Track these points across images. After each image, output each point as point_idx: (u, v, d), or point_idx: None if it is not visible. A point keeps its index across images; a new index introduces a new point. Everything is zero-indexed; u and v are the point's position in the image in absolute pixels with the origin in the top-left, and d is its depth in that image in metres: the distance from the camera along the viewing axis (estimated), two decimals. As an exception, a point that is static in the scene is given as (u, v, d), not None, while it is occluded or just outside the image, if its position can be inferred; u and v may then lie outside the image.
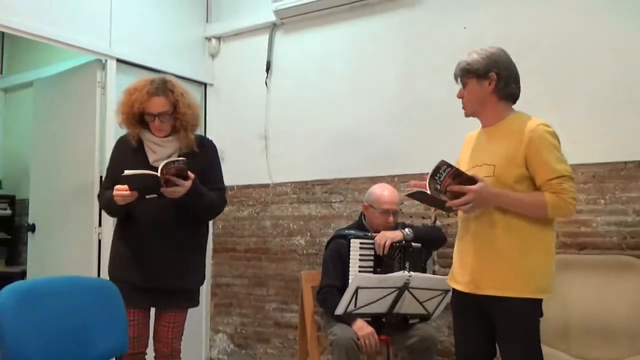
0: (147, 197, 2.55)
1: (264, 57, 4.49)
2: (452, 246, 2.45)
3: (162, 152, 2.71)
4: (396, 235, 3.19)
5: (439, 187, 2.15)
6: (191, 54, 4.68)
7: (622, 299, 2.88)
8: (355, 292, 2.74)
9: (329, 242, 3.41)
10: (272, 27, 4.49)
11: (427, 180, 2.16)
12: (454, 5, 3.75)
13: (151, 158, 2.70)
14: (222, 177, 2.90)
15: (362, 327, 3.02)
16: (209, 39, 4.77)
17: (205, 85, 4.78)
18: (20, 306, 2.13)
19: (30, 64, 5.34)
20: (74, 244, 3.96)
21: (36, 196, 4.42)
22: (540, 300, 2.20)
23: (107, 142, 3.84)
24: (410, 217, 3.76)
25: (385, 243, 3.15)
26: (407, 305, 2.88)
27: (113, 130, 3.78)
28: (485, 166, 2.26)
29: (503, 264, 2.18)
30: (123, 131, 2.87)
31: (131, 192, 2.52)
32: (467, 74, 2.31)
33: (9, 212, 5.48)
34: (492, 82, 2.28)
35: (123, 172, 2.50)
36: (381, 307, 2.85)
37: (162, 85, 2.67)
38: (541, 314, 2.22)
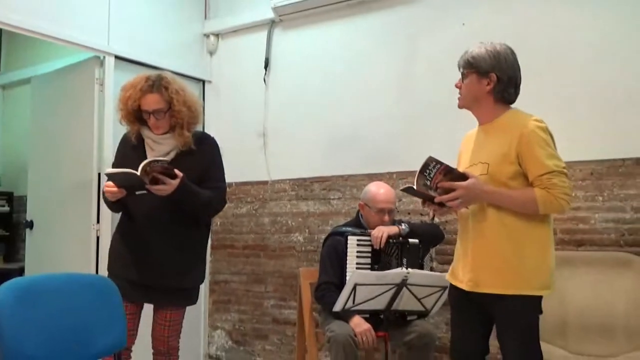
0: (137, 193, 2.55)
1: (263, 54, 4.49)
2: (450, 243, 2.46)
3: (159, 149, 2.70)
4: (392, 229, 3.21)
5: (428, 183, 2.17)
6: (189, 51, 4.67)
7: (620, 295, 2.89)
8: (354, 288, 2.75)
9: (325, 240, 3.41)
10: (271, 24, 4.49)
11: (416, 176, 2.17)
12: (452, 2, 3.75)
13: (149, 155, 2.68)
14: (222, 175, 2.87)
15: (359, 324, 3.03)
16: (207, 35, 4.76)
17: (203, 82, 4.77)
18: (18, 303, 2.13)
19: (28, 60, 5.33)
20: (72, 241, 3.96)
21: (34, 193, 4.42)
22: (539, 298, 2.21)
23: (105, 139, 3.84)
24: (409, 213, 3.77)
25: (382, 236, 3.16)
26: (405, 302, 2.88)
27: (111, 127, 3.79)
28: (480, 164, 2.26)
29: (500, 262, 2.19)
30: (121, 128, 2.87)
31: (119, 189, 2.53)
32: (470, 67, 2.30)
33: (7, 208, 5.48)
34: (491, 83, 2.27)
35: (121, 166, 2.52)
36: (379, 304, 2.86)
37: (157, 82, 2.65)
38: (540, 311, 2.23)
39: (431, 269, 3.44)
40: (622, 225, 3.15)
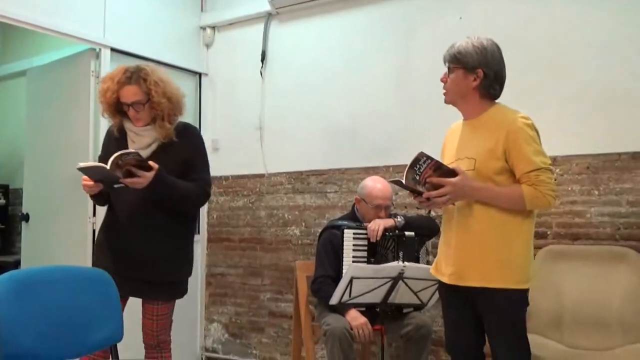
0: (115, 186, 2.50)
1: (259, 47, 4.48)
2: (446, 237, 2.46)
3: (140, 141, 2.65)
4: (388, 222, 3.21)
5: (417, 177, 2.17)
6: (186, 44, 4.65)
7: (615, 289, 2.90)
8: (350, 282, 2.75)
9: (322, 233, 3.41)
10: (268, 17, 4.47)
11: (405, 170, 2.17)
12: (449, -4, 3.74)
13: (131, 147, 2.62)
14: (205, 167, 2.80)
15: (355, 317, 3.04)
16: (203, 28, 4.75)
17: (199, 75, 4.76)
18: (14, 296, 2.13)
19: (23, 53, 5.30)
20: (68, 234, 3.95)
21: (30, 185, 4.41)
22: (525, 291, 2.23)
23: (101, 131, 3.81)
24: (405, 207, 3.77)
25: (378, 229, 3.16)
26: (401, 295, 2.89)
27: (107, 120, 3.76)
28: (466, 159, 2.27)
29: (485, 255, 2.20)
30: None
31: (95, 183, 2.49)
32: (456, 62, 2.29)
33: (2, 201, 5.45)
34: (478, 79, 2.28)
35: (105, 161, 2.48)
36: (375, 297, 2.86)
37: (135, 74, 2.59)
38: (527, 304, 2.25)
39: (427, 263, 3.44)
40: (618, 219, 3.16)
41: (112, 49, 3.99)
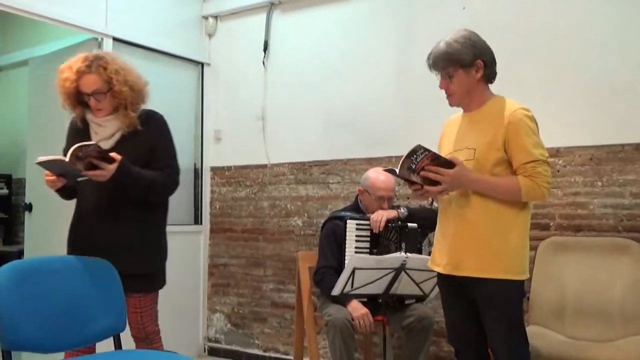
0: (78, 180, 2.45)
1: (262, 36, 4.46)
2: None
3: (103, 132, 2.58)
4: (391, 213, 3.21)
5: (413, 166, 2.17)
6: (188, 33, 4.64)
7: (617, 281, 2.90)
8: (352, 273, 2.76)
9: (324, 224, 3.42)
10: (270, 6, 4.45)
11: (401, 160, 2.17)
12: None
13: (94, 139, 2.55)
14: (171, 154, 2.69)
15: (356, 308, 3.04)
16: (206, 17, 4.73)
17: (202, 64, 4.74)
18: (17, 286, 2.14)
19: (25, 42, 5.29)
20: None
21: (33, 175, 4.40)
22: (521, 282, 2.24)
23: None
24: (407, 198, 3.76)
25: (381, 219, 3.16)
26: (404, 286, 2.89)
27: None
28: (465, 150, 2.28)
29: (480, 246, 2.21)
30: None
31: (57, 177, 2.41)
32: (454, 64, 2.27)
33: (5, 191, 5.47)
34: (480, 69, 2.28)
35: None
36: (377, 288, 2.87)
37: (95, 62, 2.51)
38: (523, 295, 2.26)
39: (429, 254, 3.44)
40: (621, 211, 3.15)
41: (115, 39, 3.98)
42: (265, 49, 4.46)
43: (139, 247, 2.59)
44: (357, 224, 3.23)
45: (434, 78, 2.78)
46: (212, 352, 4.62)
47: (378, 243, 3.21)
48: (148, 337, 2.67)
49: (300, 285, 3.51)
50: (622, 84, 3.17)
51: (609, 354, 2.61)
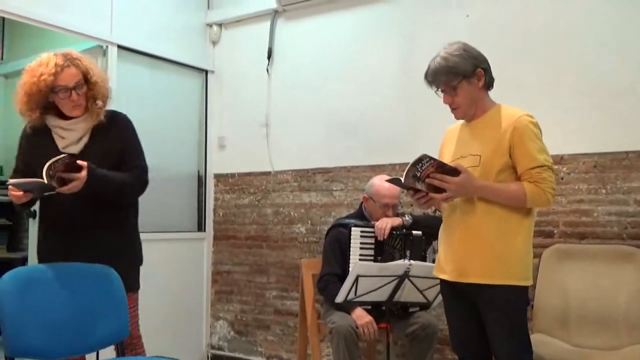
0: (45, 194, 2.42)
1: (266, 44, 4.47)
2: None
3: (71, 136, 2.54)
4: (396, 220, 3.21)
5: (418, 174, 2.17)
6: (192, 41, 4.65)
7: (622, 288, 2.89)
8: (356, 280, 2.75)
9: (329, 231, 3.41)
10: (274, 14, 4.47)
11: (407, 169, 2.17)
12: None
13: (60, 144, 2.53)
14: (138, 153, 2.66)
15: (360, 316, 3.04)
16: (210, 25, 4.75)
17: (206, 72, 4.76)
18: (21, 292, 2.14)
19: (30, 50, 5.28)
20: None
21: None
22: (525, 288, 2.24)
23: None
24: (411, 205, 3.76)
25: (385, 227, 3.16)
26: (407, 294, 2.89)
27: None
28: (470, 157, 2.29)
29: (485, 252, 2.21)
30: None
31: (24, 193, 2.38)
32: (456, 77, 2.29)
33: (9, 198, 5.46)
34: (481, 78, 2.31)
35: (30, 165, 2.45)
36: (381, 296, 2.86)
37: (69, 58, 2.49)
38: (527, 301, 2.26)
39: (434, 261, 3.44)
40: (625, 219, 3.14)
41: (119, 46, 4.00)
42: (269, 56, 4.47)
43: (111, 249, 2.55)
44: (361, 232, 3.23)
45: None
46: (215, 359, 4.61)
47: (382, 251, 3.20)
48: (132, 343, 2.63)
49: (304, 292, 3.51)
50: (623, 86, 3.16)
51: (613, 362, 2.60)
